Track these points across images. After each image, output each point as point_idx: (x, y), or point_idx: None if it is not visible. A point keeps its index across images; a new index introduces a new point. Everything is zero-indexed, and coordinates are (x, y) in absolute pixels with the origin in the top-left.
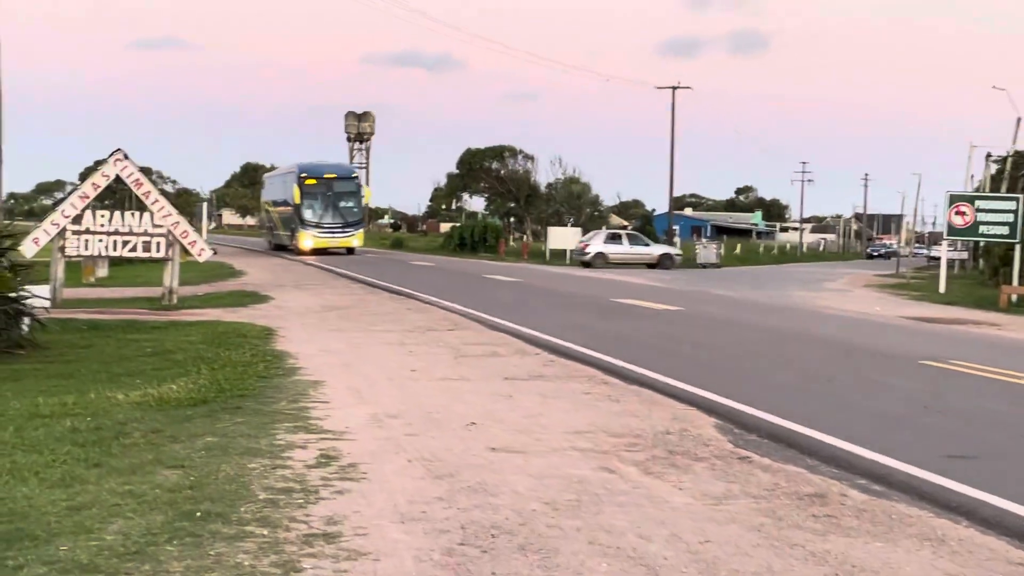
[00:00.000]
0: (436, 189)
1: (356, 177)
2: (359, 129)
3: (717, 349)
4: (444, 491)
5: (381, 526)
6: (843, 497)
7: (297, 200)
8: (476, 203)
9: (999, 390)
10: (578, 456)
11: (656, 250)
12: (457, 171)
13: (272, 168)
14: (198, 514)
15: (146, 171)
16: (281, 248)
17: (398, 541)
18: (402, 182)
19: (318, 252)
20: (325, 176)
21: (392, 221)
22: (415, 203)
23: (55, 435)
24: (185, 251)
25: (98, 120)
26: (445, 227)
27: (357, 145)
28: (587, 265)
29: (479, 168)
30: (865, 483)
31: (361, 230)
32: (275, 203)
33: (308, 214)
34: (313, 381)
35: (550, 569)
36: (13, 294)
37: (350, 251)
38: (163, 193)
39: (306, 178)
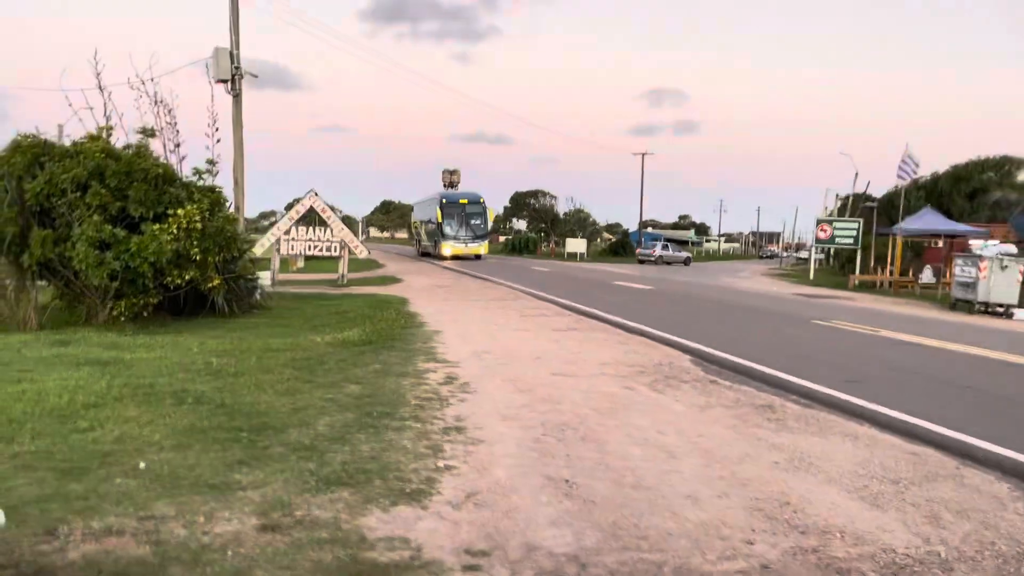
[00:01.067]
0: (496, 215)
1: (483, 202)
2: (451, 180)
3: (681, 312)
4: (527, 400)
5: (491, 423)
6: (784, 407)
7: (439, 219)
8: (521, 224)
9: (864, 339)
10: (609, 379)
11: (682, 254)
12: (509, 205)
13: (401, 204)
14: (375, 413)
15: (329, 205)
16: (426, 255)
17: (503, 433)
18: None
19: (455, 258)
20: (460, 201)
21: None
22: None
23: (281, 362)
24: (350, 252)
25: (295, 174)
26: (502, 239)
27: (450, 189)
28: (643, 262)
29: (523, 204)
30: (796, 398)
31: (486, 242)
32: (423, 221)
33: (448, 229)
34: (434, 331)
35: (604, 453)
36: (251, 276)
37: (478, 257)
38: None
39: (446, 203)
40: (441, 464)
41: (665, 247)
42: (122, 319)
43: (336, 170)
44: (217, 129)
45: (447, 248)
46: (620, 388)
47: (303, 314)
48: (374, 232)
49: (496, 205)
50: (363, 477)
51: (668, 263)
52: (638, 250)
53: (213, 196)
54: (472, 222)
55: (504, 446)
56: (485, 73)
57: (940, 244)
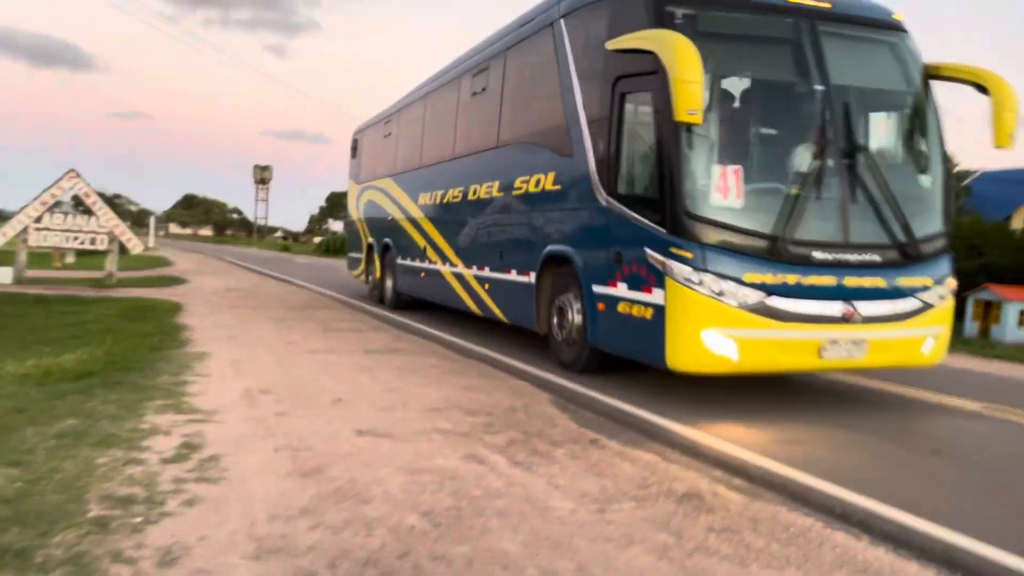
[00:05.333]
0: (312, 215)
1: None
2: (262, 176)
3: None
4: (311, 498)
5: (229, 565)
6: (717, 496)
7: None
8: (338, 225)
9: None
10: (444, 441)
11: None
12: (325, 205)
13: (205, 199)
14: None
15: (116, 196)
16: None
17: None
18: (293, 210)
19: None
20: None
21: (283, 235)
22: (300, 223)
23: None
24: (122, 246)
25: (90, 161)
26: (317, 239)
27: (261, 186)
28: None
29: (340, 204)
30: (725, 475)
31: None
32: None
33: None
34: (199, 353)
35: None
36: None
37: None
38: (116, 207)
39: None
40: None
41: None
42: None
43: (135, 160)
44: None
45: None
46: (463, 461)
47: (27, 324)
48: (175, 228)
49: (312, 206)
50: None
51: None
52: None
53: None
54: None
55: None
56: (304, 67)
57: None
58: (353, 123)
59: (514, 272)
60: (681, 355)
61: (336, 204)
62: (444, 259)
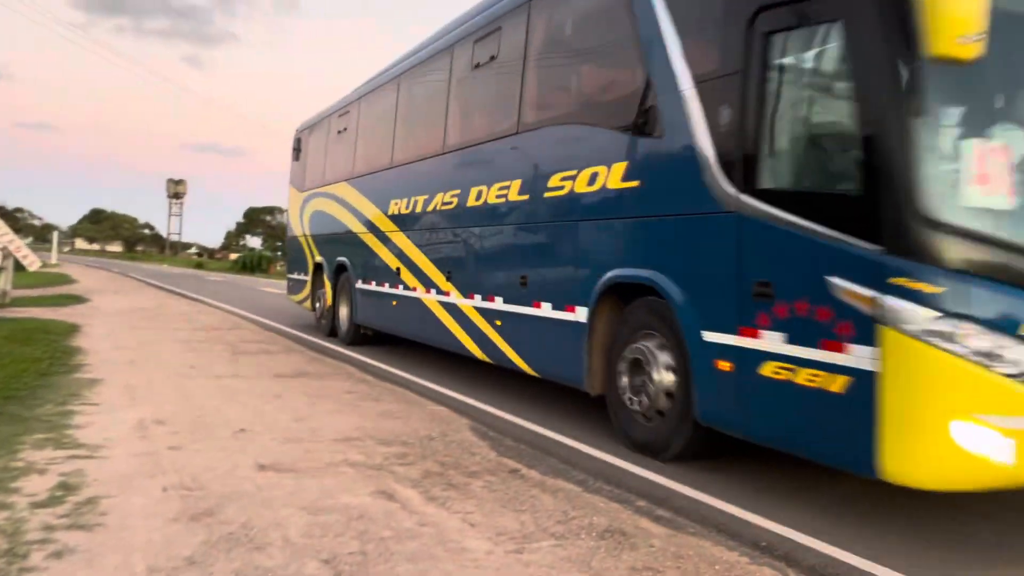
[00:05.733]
0: (228, 231)
1: None
2: (176, 190)
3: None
4: (200, 544)
5: None
6: (639, 531)
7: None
8: (256, 241)
9: None
10: (354, 475)
11: None
12: (242, 221)
13: (114, 213)
14: None
15: (17, 209)
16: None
17: None
18: (207, 225)
19: None
20: None
21: (198, 251)
22: (216, 240)
23: None
24: (17, 262)
25: None
26: (233, 256)
27: (175, 201)
28: None
29: (258, 220)
30: (647, 505)
31: None
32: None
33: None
34: (91, 380)
35: None
36: None
37: None
38: (17, 221)
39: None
40: None
41: None
42: None
43: (41, 173)
44: None
45: None
46: (373, 498)
47: None
48: (82, 244)
49: (228, 221)
50: None
51: None
52: None
53: None
54: None
55: None
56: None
57: None
58: (272, 137)
59: (547, 306)
60: (910, 460)
61: (254, 220)
62: (428, 284)
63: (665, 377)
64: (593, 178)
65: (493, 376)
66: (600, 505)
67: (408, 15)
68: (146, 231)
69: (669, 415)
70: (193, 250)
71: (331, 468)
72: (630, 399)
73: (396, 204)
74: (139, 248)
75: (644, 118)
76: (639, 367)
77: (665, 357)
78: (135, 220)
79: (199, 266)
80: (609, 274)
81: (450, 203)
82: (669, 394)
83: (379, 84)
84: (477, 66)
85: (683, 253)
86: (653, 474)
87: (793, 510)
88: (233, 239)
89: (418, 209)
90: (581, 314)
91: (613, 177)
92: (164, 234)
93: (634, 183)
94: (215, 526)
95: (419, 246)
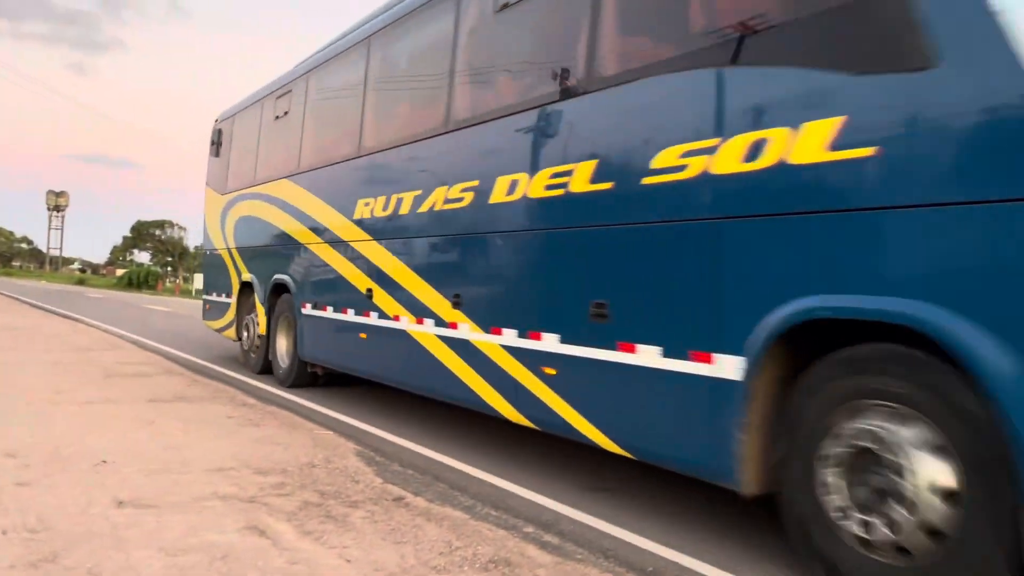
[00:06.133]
0: (115, 246)
1: None
2: (57, 202)
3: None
4: None
5: None
6: (525, 559)
7: None
8: (144, 256)
9: None
10: (224, 509)
11: None
12: (130, 235)
13: None
14: None
15: None
16: None
17: None
18: (94, 239)
19: None
20: None
21: (81, 267)
22: (101, 255)
23: None
24: None
25: None
26: (120, 272)
27: (55, 213)
28: None
29: (147, 234)
30: (536, 531)
31: None
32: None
33: None
34: None
35: None
36: None
37: None
38: None
39: None
40: None
41: None
42: None
43: None
44: None
45: None
46: (242, 534)
47: None
48: None
49: (115, 235)
50: None
51: None
52: None
53: None
54: None
55: None
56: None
57: None
58: (163, 147)
59: (650, 350)
60: None
61: (143, 234)
62: (419, 312)
63: (933, 501)
64: (756, 148)
65: (384, 396)
66: (486, 533)
67: (299, 31)
68: (24, 245)
69: (935, 560)
70: (76, 265)
71: (198, 502)
72: (854, 521)
73: (367, 205)
74: (15, 263)
75: (890, 47)
76: (862, 467)
77: (936, 462)
78: (11, 234)
79: (81, 282)
80: (797, 304)
81: (459, 200)
82: (934, 532)
83: (340, 50)
84: (505, 6)
85: (995, 274)
86: (541, 497)
87: (682, 533)
88: (119, 254)
89: (403, 211)
90: (728, 367)
91: (808, 144)
92: (44, 248)
93: (862, 151)
94: (56, 573)
95: (405, 260)
